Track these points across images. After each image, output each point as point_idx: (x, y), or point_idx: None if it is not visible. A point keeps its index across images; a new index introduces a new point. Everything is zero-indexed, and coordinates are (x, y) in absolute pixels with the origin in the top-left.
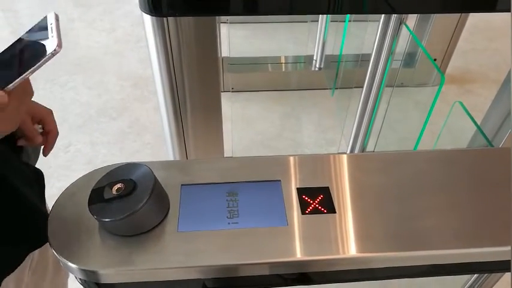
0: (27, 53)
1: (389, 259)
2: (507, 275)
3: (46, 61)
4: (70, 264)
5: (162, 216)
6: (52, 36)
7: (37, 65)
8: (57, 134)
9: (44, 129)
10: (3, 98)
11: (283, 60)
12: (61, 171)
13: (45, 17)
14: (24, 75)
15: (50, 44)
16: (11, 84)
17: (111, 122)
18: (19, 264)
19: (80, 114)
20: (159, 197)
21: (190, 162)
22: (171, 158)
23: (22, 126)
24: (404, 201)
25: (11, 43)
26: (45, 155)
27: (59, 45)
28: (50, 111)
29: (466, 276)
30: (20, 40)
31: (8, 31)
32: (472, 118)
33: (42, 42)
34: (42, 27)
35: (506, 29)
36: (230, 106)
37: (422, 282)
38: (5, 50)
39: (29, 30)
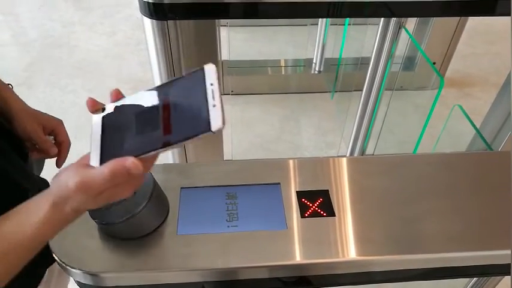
0: (177, 118)
1: (389, 262)
2: (506, 279)
3: (200, 138)
4: (70, 268)
5: (162, 219)
6: (213, 106)
7: (188, 141)
8: (69, 144)
9: (56, 140)
10: (137, 169)
11: (282, 63)
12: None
13: (202, 70)
14: (167, 148)
15: (210, 116)
16: (149, 154)
17: None
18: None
19: (79, 117)
20: (158, 200)
21: (190, 165)
22: (170, 161)
23: (35, 138)
24: (403, 204)
25: (154, 90)
26: (59, 166)
27: (224, 121)
28: (61, 122)
29: (464, 280)
30: (165, 91)
31: (8, 34)
32: (471, 121)
33: (198, 109)
34: (197, 82)
35: (506, 33)
36: (230, 109)
37: (421, 286)
38: (146, 95)
39: (180, 79)
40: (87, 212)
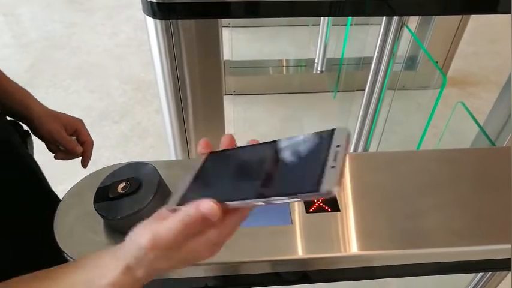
0: (284, 173)
1: (393, 257)
2: (508, 279)
3: (308, 198)
4: None
5: None
6: (332, 167)
7: (289, 199)
8: (92, 143)
9: (78, 139)
10: (214, 213)
11: (284, 64)
12: (63, 175)
13: (332, 132)
14: (262, 200)
15: (324, 177)
16: (234, 203)
17: (114, 126)
18: None
19: (82, 118)
20: (164, 195)
21: (193, 161)
22: (173, 157)
23: (59, 139)
24: (407, 199)
25: (273, 142)
26: (85, 166)
27: (339, 184)
28: (81, 121)
29: (467, 280)
30: (285, 145)
31: (10, 35)
32: (474, 119)
33: (311, 168)
34: (321, 142)
35: (507, 31)
36: (232, 109)
37: (424, 284)
38: (262, 147)
39: (304, 136)
40: (93, 207)
